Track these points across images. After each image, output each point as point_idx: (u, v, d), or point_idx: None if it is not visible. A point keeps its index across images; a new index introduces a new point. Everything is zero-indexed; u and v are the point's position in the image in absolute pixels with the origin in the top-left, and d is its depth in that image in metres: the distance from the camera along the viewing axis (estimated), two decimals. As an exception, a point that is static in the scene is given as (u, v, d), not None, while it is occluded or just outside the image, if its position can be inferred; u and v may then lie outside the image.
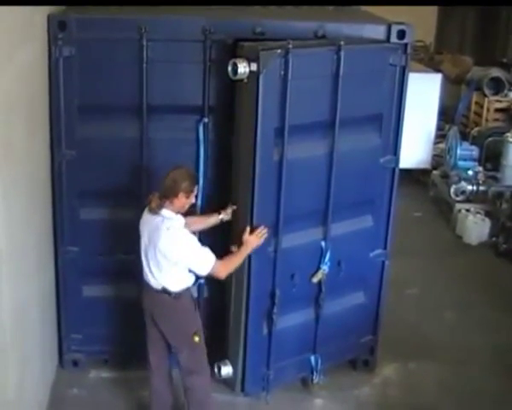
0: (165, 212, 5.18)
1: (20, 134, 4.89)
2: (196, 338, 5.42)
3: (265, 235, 5.60)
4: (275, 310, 5.92)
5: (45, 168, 5.83)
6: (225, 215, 5.80)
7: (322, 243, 6.01)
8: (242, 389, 6.17)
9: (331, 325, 6.29)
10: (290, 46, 5.24)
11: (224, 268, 5.39)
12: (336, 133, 5.73)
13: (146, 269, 5.35)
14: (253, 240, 5.54)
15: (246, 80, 5.36)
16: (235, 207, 5.77)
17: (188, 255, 5.22)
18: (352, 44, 5.63)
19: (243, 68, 5.28)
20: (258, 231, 5.56)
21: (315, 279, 6.06)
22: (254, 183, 5.55)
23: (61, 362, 6.46)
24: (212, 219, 5.81)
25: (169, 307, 5.37)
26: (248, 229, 5.54)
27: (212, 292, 6.31)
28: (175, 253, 5.18)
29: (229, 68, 5.35)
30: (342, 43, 5.48)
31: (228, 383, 6.16)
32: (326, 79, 5.58)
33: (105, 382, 6.42)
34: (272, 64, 5.27)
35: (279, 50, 5.27)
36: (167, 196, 5.14)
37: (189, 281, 5.40)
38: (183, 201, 5.20)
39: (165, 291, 5.29)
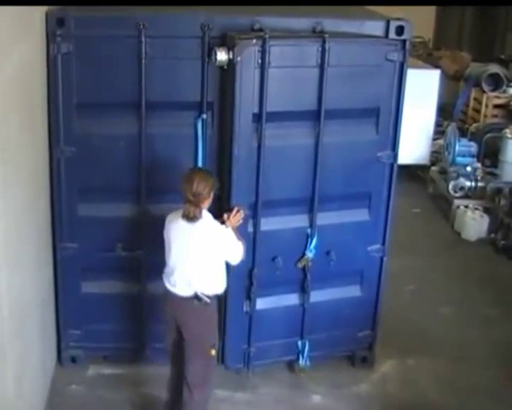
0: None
1: (18, 131, 4.88)
2: (213, 352, 5.42)
3: (241, 215, 5.69)
4: (252, 289, 6.08)
5: (44, 165, 5.83)
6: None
7: (308, 231, 6.12)
8: (223, 362, 6.25)
9: (322, 314, 6.40)
10: (267, 36, 5.46)
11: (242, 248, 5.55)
12: (322, 123, 5.84)
13: (178, 276, 5.32)
14: (232, 222, 5.61)
15: (226, 67, 5.60)
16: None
17: (230, 243, 5.40)
18: (343, 38, 5.76)
19: (220, 56, 5.53)
20: (233, 213, 5.64)
21: (299, 265, 6.20)
22: (232, 165, 5.73)
23: (59, 359, 6.45)
24: None
25: (196, 314, 5.35)
26: (226, 215, 5.60)
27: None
28: (222, 243, 5.35)
29: (212, 56, 5.57)
30: (327, 35, 5.64)
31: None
32: (311, 70, 5.71)
33: (104, 378, 6.41)
34: (248, 52, 5.49)
35: (254, 40, 5.48)
36: (202, 200, 5.21)
37: (222, 286, 5.47)
38: (211, 198, 5.31)
39: (196, 297, 5.29)
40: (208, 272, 5.32)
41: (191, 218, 5.17)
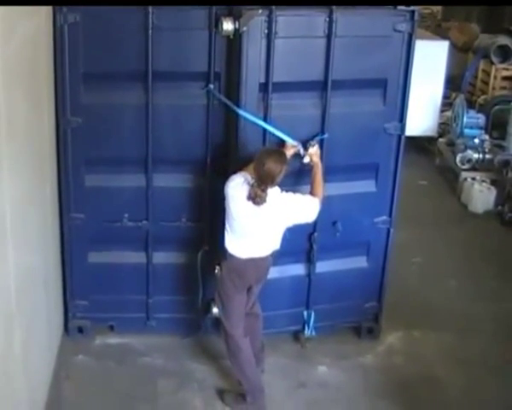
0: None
1: (23, 103, 4.86)
2: None
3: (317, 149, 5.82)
4: None
5: (50, 136, 5.82)
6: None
7: None
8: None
9: (328, 284, 6.43)
10: (273, 7, 5.47)
11: (320, 198, 5.64)
12: (329, 94, 5.84)
13: (256, 245, 5.52)
14: (313, 155, 5.77)
15: (232, 37, 5.61)
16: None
17: (299, 207, 5.52)
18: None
19: (227, 25, 5.55)
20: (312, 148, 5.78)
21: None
22: (238, 135, 5.76)
23: (66, 329, 6.49)
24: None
25: (270, 266, 5.73)
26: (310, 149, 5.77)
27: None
28: (291, 211, 5.48)
29: (219, 26, 5.58)
30: (334, 6, 5.60)
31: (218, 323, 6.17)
32: (319, 40, 5.70)
33: (110, 348, 6.45)
34: (254, 22, 5.49)
35: (260, 10, 5.50)
36: (267, 184, 5.27)
37: None
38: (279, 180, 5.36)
39: (272, 254, 5.62)
40: (281, 232, 5.57)
41: (259, 202, 5.27)
